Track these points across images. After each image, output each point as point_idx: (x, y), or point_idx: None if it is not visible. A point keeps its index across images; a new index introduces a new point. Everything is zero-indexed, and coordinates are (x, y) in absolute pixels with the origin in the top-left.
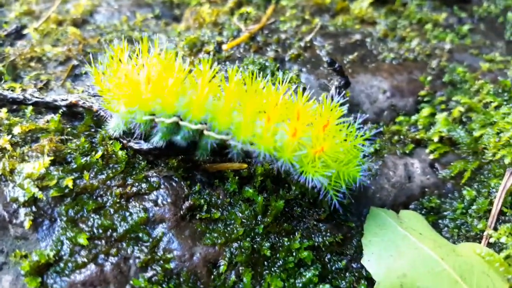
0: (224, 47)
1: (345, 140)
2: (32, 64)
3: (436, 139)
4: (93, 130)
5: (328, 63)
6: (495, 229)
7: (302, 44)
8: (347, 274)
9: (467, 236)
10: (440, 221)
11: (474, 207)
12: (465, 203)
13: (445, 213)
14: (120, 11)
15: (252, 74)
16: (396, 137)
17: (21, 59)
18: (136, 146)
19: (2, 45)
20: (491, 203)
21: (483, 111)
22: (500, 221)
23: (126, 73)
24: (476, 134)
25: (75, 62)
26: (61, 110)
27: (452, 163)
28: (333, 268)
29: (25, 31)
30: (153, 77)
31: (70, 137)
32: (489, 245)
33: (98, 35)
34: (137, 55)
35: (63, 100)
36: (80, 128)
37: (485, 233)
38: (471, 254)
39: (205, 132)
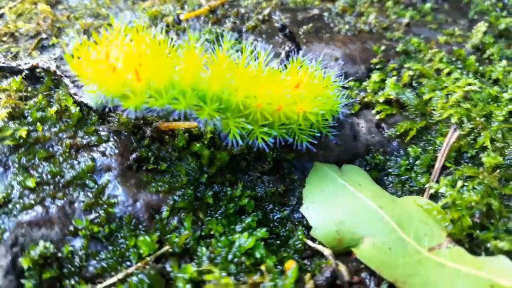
0: (182, 17)
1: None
2: (5, 39)
3: (382, 100)
4: (52, 91)
5: (279, 29)
6: (437, 182)
7: (260, 17)
8: (288, 223)
9: (411, 191)
10: (385, 178)
11: (418, 162)
12: (410, 160)
13: (390, 170)
14: None
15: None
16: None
17: None
18: (86, 100)
19: None
20: (435, 159)
21: (434, 77)
22: (443, 175)
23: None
24: (425, 97)
25: (43, 36)
26: (24, 73)
27: (398, 123)
28: (275, 217)
29: (0, 11)
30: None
31: (29, 95)
32: (431, 197)
33: (68, 13)
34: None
35: (25, 64)
36: (41, 89)
37: (426, 186)
38: (411, 205)
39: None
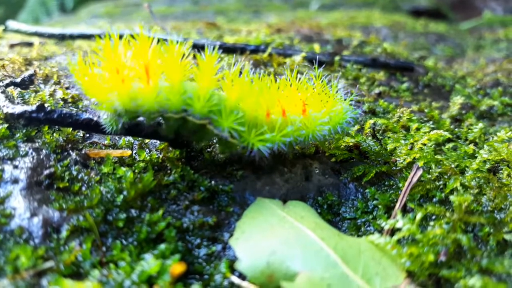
0: None
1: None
2: None
3: (339, 146)
4: None
5: None
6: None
7: None
8: (216, 261)
9: (367, 235)
10: (340, 223)
11: (376, 202)
12: (367, 202)
13: (345, 214)
14: None
15: None
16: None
17: None
18: (8, 110)
19: None
20: (396, 201)
21: (402, 133)
22: (403, 216)
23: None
24: (389, 146)
25: None
26: None
27: (356, 166)
28: (201, 254)
29: None
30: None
31: None
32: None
33: None
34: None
35: None
36: None
37: (383, 225)
38: (361, 241)
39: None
